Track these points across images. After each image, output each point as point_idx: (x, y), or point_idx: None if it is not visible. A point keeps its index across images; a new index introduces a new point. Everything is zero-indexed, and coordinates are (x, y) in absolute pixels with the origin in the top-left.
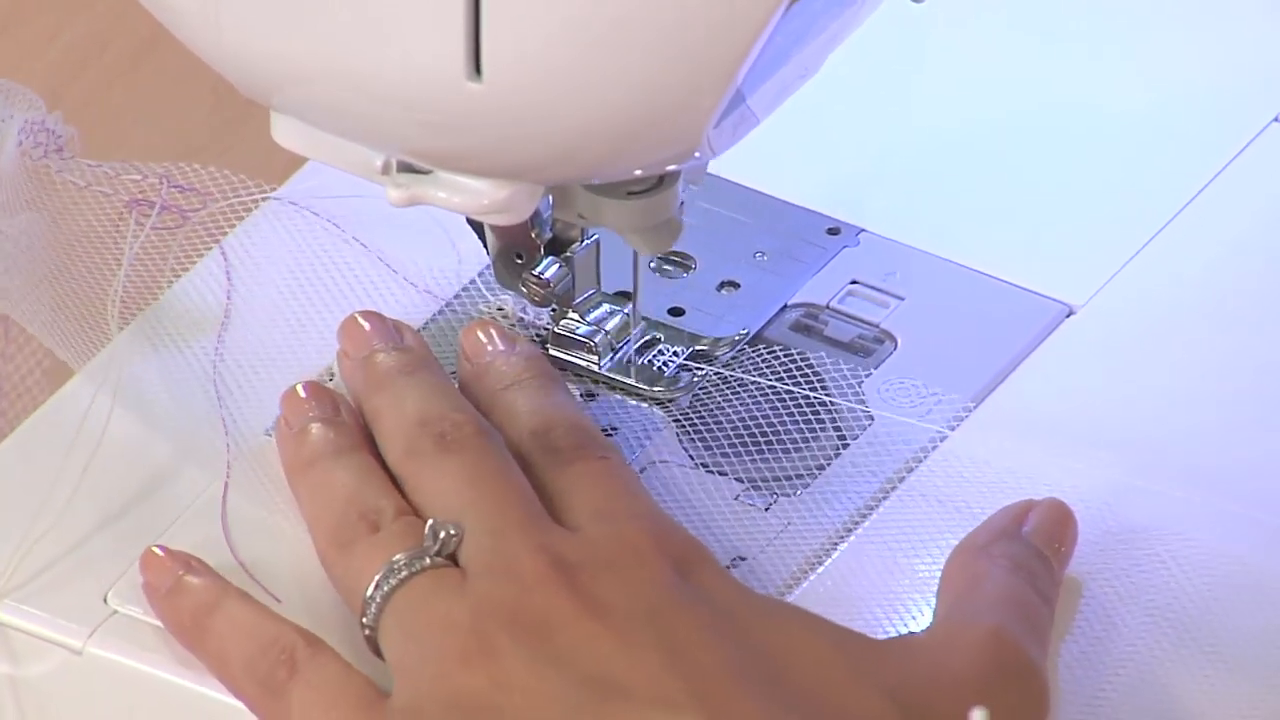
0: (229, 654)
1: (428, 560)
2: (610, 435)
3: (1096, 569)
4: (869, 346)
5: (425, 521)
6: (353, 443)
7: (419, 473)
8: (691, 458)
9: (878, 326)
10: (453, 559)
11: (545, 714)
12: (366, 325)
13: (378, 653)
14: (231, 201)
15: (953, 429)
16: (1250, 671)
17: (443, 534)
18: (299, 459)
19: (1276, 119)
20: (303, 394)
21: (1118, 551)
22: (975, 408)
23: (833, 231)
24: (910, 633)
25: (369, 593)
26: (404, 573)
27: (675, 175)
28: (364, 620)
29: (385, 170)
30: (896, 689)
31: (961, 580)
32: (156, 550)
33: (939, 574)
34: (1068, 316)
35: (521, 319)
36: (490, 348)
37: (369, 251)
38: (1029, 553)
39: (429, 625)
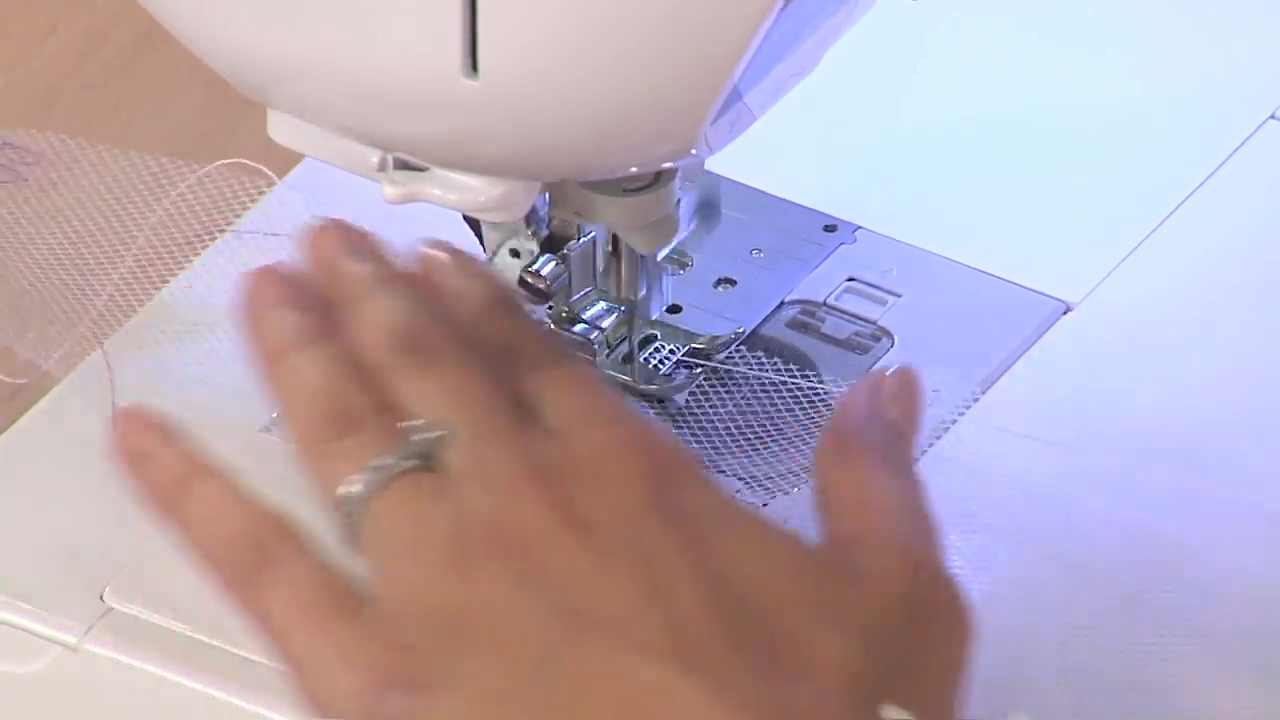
0: (201, 536)
1: (408, 463)
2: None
3: (1091, 562)
4: (866, 343)
5: (405, 423)
6: (328, 333)
7: (399, 379)
8: None
9: (875, 323)
10: (430, 461)
11: (518, 645)
12: (333, 233)
13: (354, 553)
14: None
15: (951, 423)
16: (1250, 669)
17: (424, 436)
18: (271, 346)
19: (1273, 116)
20: (274, 278)
21: (1114, 548)
22: (972, 403)
23: (829, 228)
24: (843, 560)
25: (348, 493)
26: (385, 474)
27: (672, 172)
28: (341, 521)
29: (382, 167)
30: (863, 630)
31: (849, 490)
32: (131, 407)
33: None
34: (1064, 313)
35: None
36: (452, 264)
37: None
38: (898, 443)
39: (408, 532)
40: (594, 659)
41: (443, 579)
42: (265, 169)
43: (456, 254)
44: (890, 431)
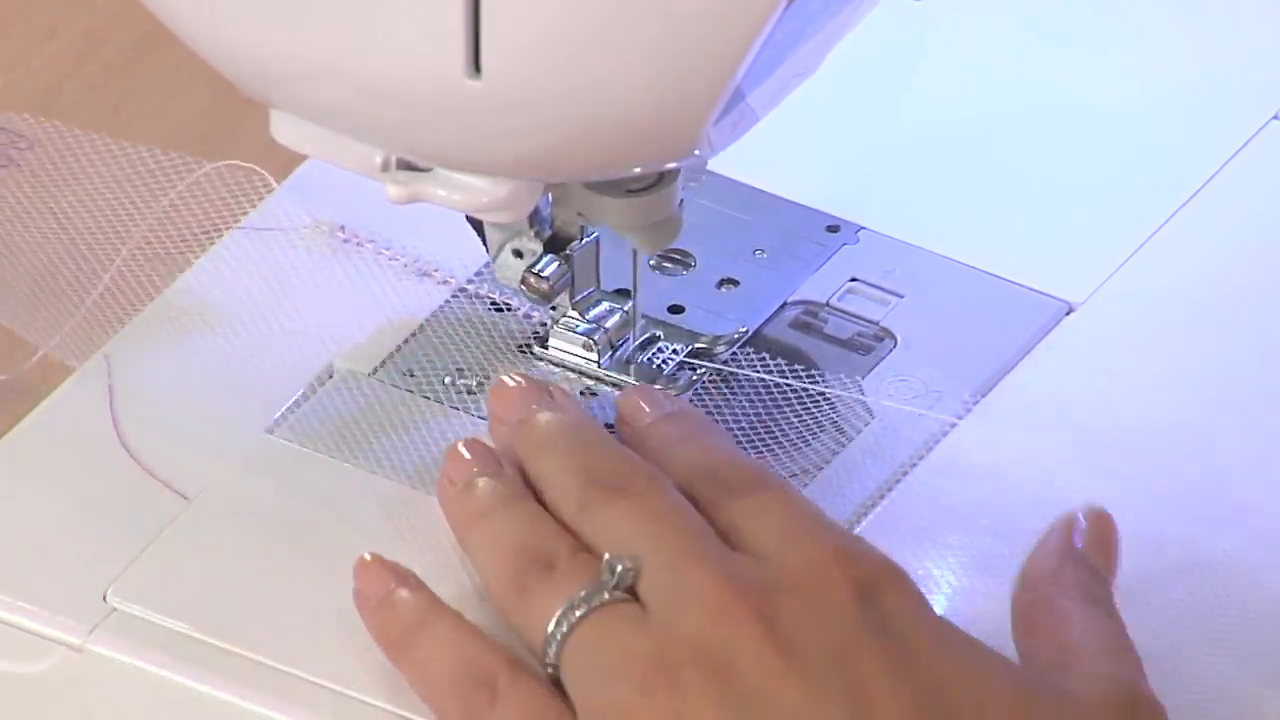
0: (434, 675)
1: (606, 595)
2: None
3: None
4: (868, 344)
5: (601, 560)
6: (520, 493)
7: (594, 520)
8: None
9: (877, 324)
10: (632, 596)
11: None
12: (517, 388)
13: (562, 690)
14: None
15: (954, 424)
16: (1254, 667)
17: (620, 567)
18: (468, 513)
19: (1276, 116)
20: (465, 452)
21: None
22: (975, 404)
23: (832, 229)
24: (1049, 680)
25: (550, 629)
26: (583, 608)
27: (675, 173)
28: (546, 659)
29: (385, 168)
30: None
31: (1048, 619)
32: (368, 558)
33: (938, 571)
34: (1067, 314)
35: (526, 314)
36: (650, 410)
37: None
38: (1095, 579)
39: (611, 657)
40: None
41: (648, 701)
42: (260, 169)
43: (658, 397)
44: (1085, 566)
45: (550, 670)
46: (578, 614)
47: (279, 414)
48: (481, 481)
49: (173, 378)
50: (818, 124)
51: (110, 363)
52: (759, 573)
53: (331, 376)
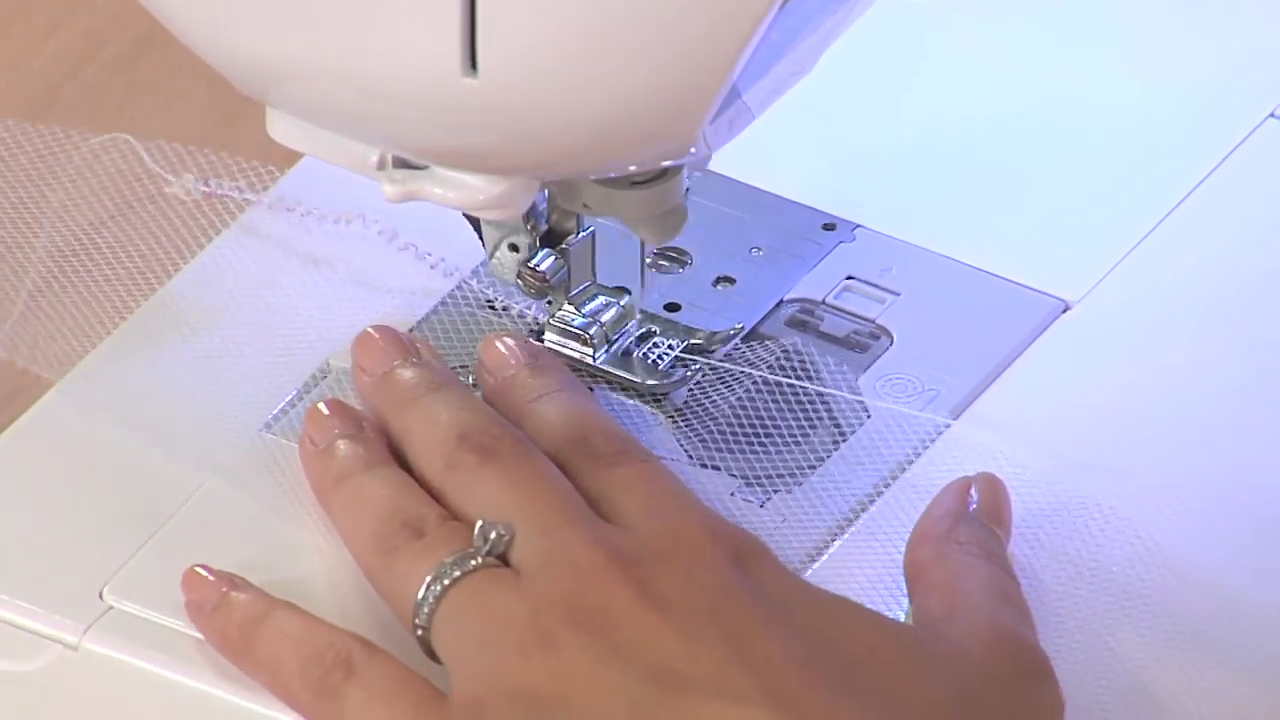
0: (281, 662)
1: (479, 559)
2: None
3: (1088, 557)
4: (865, 342)
5: (471, 525)
6: (382, 457)
7: (461, 483)
8: (687, 453)
9: (873, 322)
10: (503, 561)
11: (609, 705)
12: (382, 340)
13: (431, 655)
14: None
15: (950, 422)
16: (1249, 669)
17: (493, 534)
18: (329, 475)
19: (1273, 114)
20: (325, 411)
21: (1113, 546)
22: (971, 403)
23: (829, 227)
24: (931, 629)
25: (420, 595)
26: (455, 572)
27: (679, 165)
28: (416, 622)
29: (381, 166)
30: (953, 687)
31: (941, 572)
32: (199, 570)
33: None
34: (1063, 312)
35: (518, 311)
36: (513, 360)
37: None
38: (988, 534)
39: (485, 621)
40: (687, 710)
41: (524, 658)
42: (130, 137)
43: (524, 344)
44: (981, 525)
45: (420, 633)
46: (449, 579)
47: (274, 412)
48: (342, 444)
49: (169, 375)
50: (814, 123)
51: (107, 361)
52: (630, 540)
53: (327, 375)
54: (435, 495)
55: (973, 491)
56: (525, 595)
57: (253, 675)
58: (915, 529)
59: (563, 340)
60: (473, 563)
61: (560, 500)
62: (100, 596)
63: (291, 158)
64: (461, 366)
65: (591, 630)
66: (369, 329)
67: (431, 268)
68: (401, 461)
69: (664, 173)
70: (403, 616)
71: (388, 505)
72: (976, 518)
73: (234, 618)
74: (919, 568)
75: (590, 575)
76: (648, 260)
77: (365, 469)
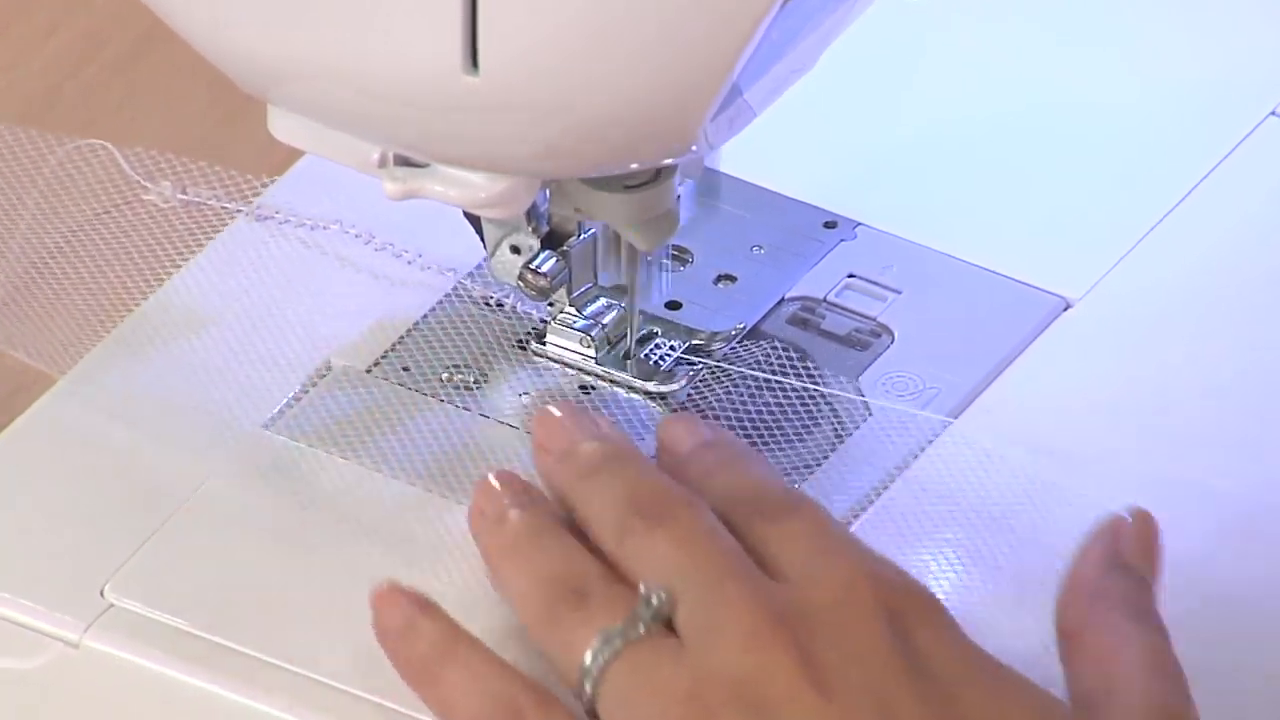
0: (458, 706)
1: (642, 628)
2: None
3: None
4: (866, 340)
5: (636, 591)
6: (552, 523)
7: (633, 549)
8: None
9: (874, 320)
10: (668, 626)
11: None
12: (564, 418)
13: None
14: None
15: (951, 421)
16: (1248, 668)
17: (654, 599)
18: (501, 545)
19: (1273, 113)
20: (495, 483)
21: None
22: (972, 401)
23: (830, 225)
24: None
25: (586, 664)
26: (619, 641)
27: (672, 168)
28: (583, 692)
29: (382, 164)
30: None
31: (1093, 639)
32: (390, 589)
33: (934, 566)
34: (1065, 310)
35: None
36: (691, 439)
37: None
38: (1139, 589)
39: (648, 695)
40: None
41: None
42: (108, 144)
43: (699, 425)
44: (1131, 577)
45: (586, 705)
46: (613, 648)
47: (276, 410)
48: (514, 513)
49: (170, 373)
50: (815, 121)
51: (108, 359)
52: (791, 596)
53: (328, 373)
54: (612, 565)
55: (1124, 524)
56: (687, 667)
57: (427, 705)
58: (1066, 578)
59: (563, 342)
60: (637, 632)
61: (723, 557)
62: (101, 594)
63: (290, 159)
64: (461, 366)
65: (749, 711)
66: (549, 407)
67: (409, 263)
68: (580, 536)
69: (656, 176)
70: (569, 684)
71: (554, 570)
72: (1127, 567)
73: (419, 648)
74: (1070, 630)
75: (750, 642)
76: (648, 258)
77: (535, 535)
